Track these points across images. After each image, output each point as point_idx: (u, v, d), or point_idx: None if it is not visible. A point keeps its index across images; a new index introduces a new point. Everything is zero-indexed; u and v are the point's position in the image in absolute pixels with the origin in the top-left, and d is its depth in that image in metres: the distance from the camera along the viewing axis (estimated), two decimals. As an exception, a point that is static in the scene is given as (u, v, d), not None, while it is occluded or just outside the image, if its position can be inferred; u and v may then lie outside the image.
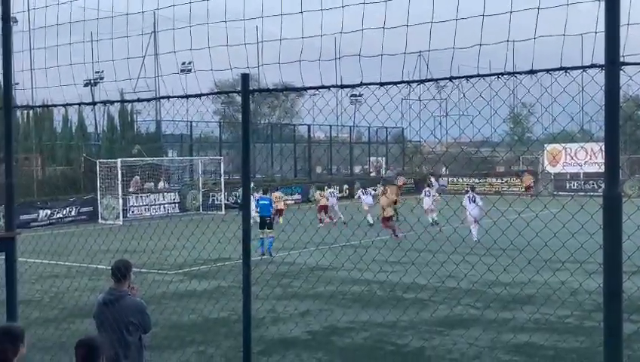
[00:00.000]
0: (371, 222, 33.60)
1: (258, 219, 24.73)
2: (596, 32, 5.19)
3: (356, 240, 24.01)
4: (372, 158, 63.83)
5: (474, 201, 27.95)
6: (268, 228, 24.74)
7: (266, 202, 25.65)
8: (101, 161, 39.48)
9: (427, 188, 34.69)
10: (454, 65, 6.27)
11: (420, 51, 7.00)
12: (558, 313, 13.56)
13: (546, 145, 52.71)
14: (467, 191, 29.91)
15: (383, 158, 64.31)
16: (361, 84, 6.46)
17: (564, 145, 52.54)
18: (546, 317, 13.45)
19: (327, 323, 13.81)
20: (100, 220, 37.18)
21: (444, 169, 59.10)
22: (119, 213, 37.47)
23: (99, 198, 38.28)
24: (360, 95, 61.84)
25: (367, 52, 6.48)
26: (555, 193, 45.07)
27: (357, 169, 62.83)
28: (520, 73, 6.25)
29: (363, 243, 23.66)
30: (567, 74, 5.82)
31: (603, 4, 5.01)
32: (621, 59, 5.04)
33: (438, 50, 6.34)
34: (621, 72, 5.06)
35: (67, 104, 7.91)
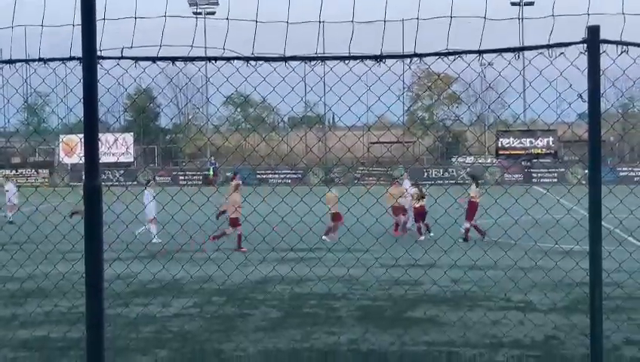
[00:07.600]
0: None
1: None
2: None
3: None
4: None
5: (153, 196, 23.77)
6: None
7: None
8: None
9: None
10: None
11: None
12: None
13: (62, 136, 52.18)
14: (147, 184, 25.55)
15: None
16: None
17: (80, 135, 52.60)
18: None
19: None
20: None
21: None
22: None
23: None
24: None
25: None
26: (72, 184, 44.87)
27: None
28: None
29: None
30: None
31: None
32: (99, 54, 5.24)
33: None
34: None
35: None
